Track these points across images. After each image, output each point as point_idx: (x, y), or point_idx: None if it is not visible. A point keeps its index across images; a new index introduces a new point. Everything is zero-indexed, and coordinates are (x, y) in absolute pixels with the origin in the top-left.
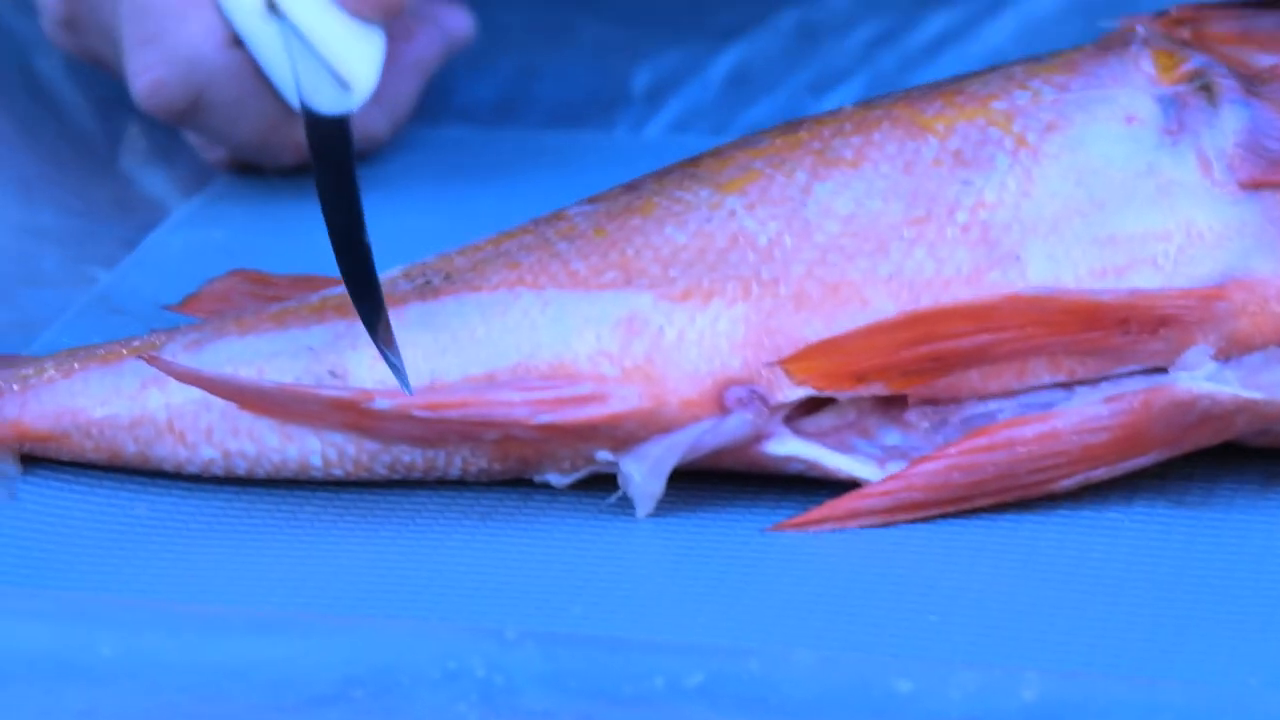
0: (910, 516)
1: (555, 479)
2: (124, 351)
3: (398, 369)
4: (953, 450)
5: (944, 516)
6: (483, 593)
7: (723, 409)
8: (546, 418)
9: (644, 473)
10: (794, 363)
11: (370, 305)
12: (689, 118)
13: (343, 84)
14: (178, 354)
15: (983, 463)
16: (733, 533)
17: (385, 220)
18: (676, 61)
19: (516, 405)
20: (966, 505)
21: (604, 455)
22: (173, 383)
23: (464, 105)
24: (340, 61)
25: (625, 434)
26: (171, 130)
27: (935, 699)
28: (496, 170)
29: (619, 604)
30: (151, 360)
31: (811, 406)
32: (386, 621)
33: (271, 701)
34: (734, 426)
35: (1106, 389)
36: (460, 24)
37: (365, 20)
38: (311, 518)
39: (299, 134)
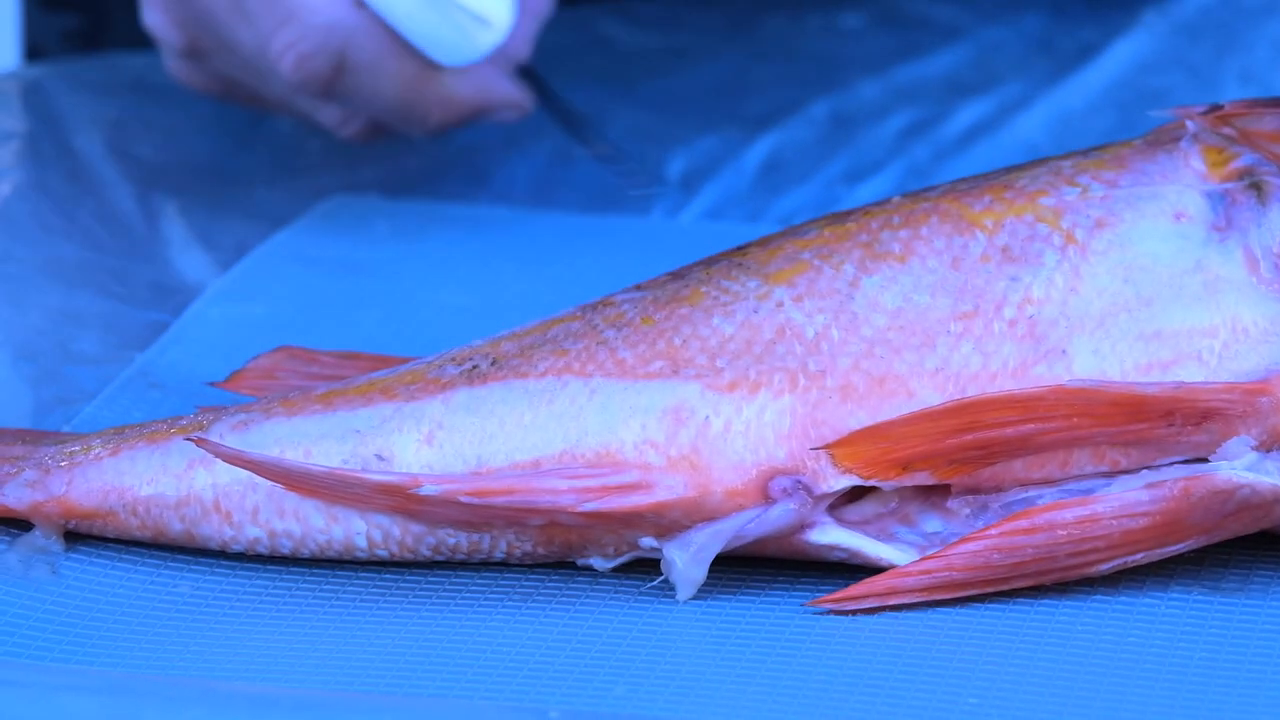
0: (949, 596)
1: (599, 563)
2: (171, 431)
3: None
4: (993, 531)
5: (982, 599)
6: (525, 672)
7: (767, 498)
8: (592, 505)
9: (687, 560)
10: (840, 448)
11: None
12: (723, 204)
13: (480, 22)
14: (225, 434)
15: (1022, 544)
16: (773, 614)
17: (424, 297)
18: (711, 148)
19: (562, 493)
20: (1005, 586)
21: (648, 541)
22: (219, 463)
23: (502, 187)
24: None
25: (670, 522)
26: (209, 210)
27: None
28: (534, 251)
29: (661, 685)
30: (200, 442)
31: (854, 494)
32: (431, 700)
33: None
34: (778, 516)
35: (1147, 475)
36: None
37: None
38: (354, 597)
39: (441, 90)
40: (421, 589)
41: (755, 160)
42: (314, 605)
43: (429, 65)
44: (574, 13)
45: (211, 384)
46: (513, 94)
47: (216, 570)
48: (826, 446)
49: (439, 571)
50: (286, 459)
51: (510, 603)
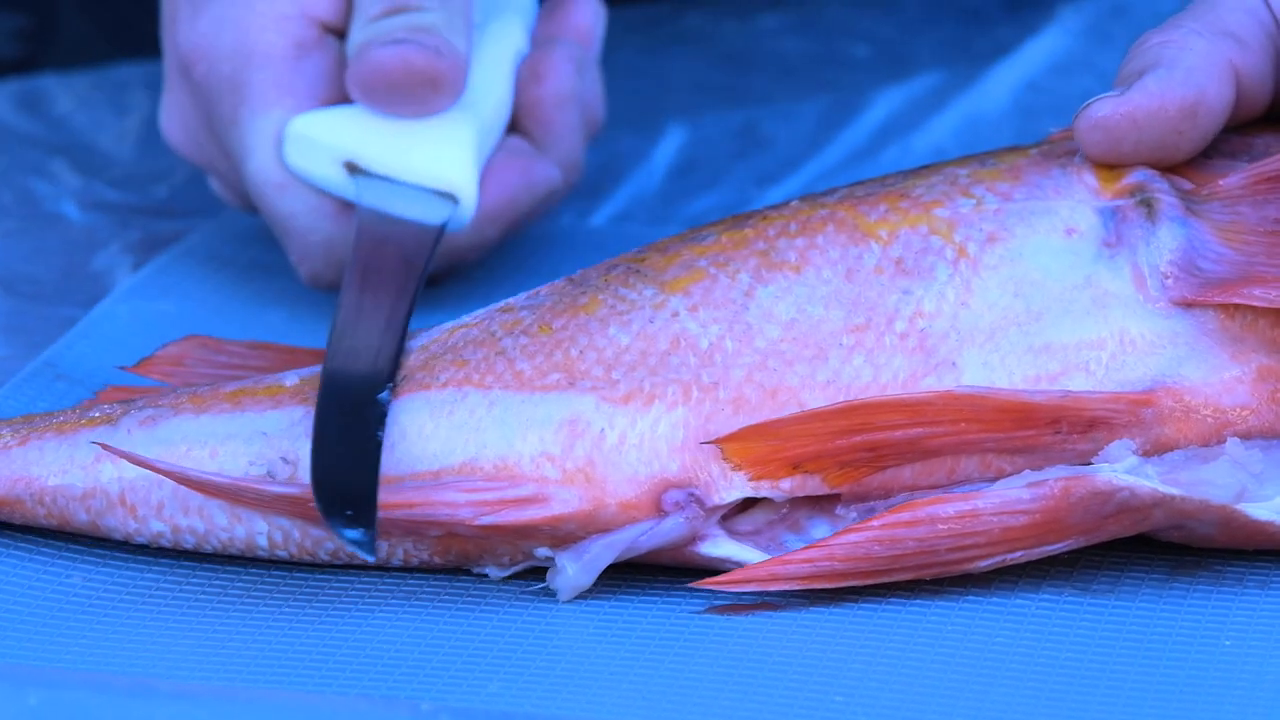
0: (830, 585)
1: (494, 572)
2: (80, 423)
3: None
4: (875, 523)
5: (857, 596)
6: (403, 669)
7: (660, 511)
8: (489, 519)
9: (577, 569)
10: (731, 444)
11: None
12: (633, 206)
13: (447, 190)
14: (133, 429)
15: (903, 537)
16: (650, 613)
17: (333, 298)
18: (623, 148)
19: (460, 506)
20: (885, 579)
21: (543, 552)
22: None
23: None
24: (434, 178)
25: (565, 534)
26: (123, 209)
27: None
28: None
29: (534, 681)
30: (106, 447)
31: (745, 504)
32: (304, 695)
33: None
34: (670, 529)
35: (1029, 475)
36: (546, 173)
37: (424, 115)
38: (240, 594)
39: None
40: (307, 587)
41: (667, 161)
42: (201, 601)
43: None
44: None
45: (122, 368)
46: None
47: (110, 563)
48: (718, 441)
49: (326, 570)
50: (191, 469)
51: (393, 601)
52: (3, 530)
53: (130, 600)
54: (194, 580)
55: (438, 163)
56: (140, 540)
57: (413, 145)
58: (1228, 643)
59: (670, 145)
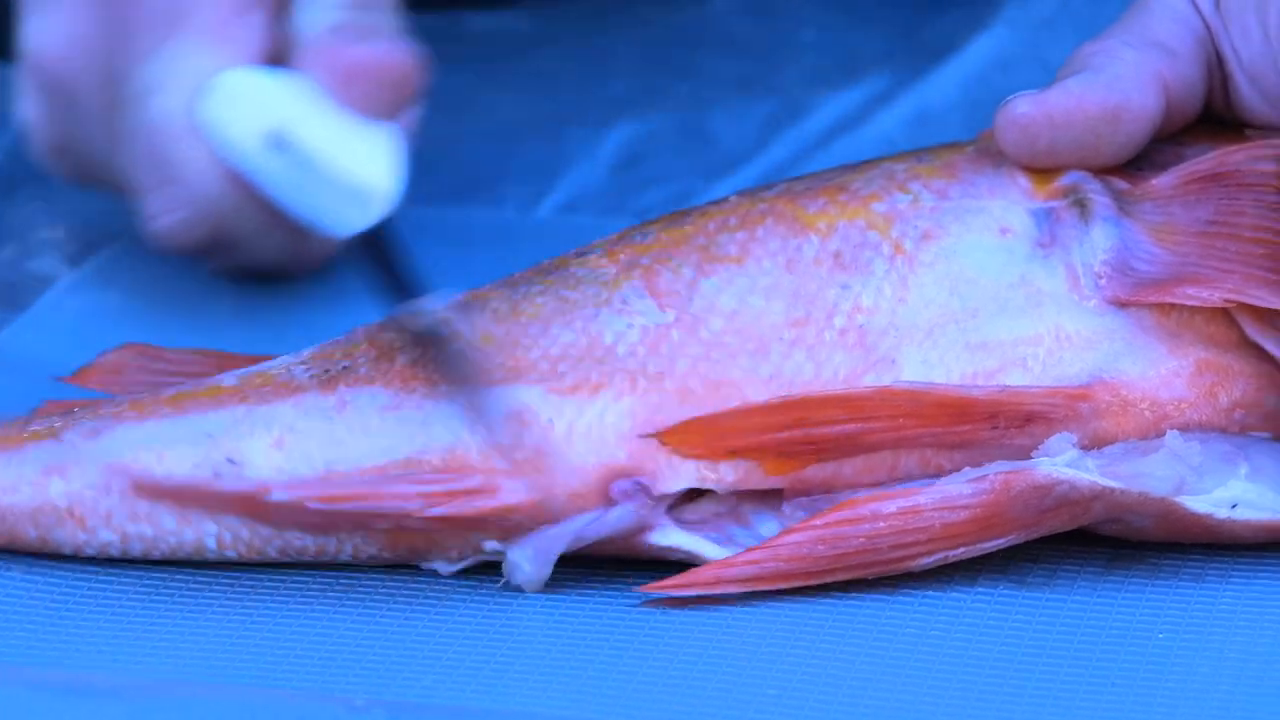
0: (774, 586)
1: (442, 566)
2: (24, 437)
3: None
4: (818, 522)
5: (793, 594)
6: (338, 663)
7: (608, 500)
8: (438, 510)
9: (530, 560)
10: (671, 436)
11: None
12: (580, 198)
13: (365, 194)
14: (78, 443)
15: (847, 535)
16: (587, 608)
17: (276, 290)
18: (570, 138)
19: (409, 498)
20: (829, 578)
21: (492, 545)
22: (72, 469)
23: None
24: (357, 175)
25: (513, 525)
26: (69, 201)
27: None
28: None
29: (470, 676)
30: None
31: (693, 495)
32: (239, 689)
33: None
34: (618, 518)
35: (969, 471)
36: None
37: (376, 118)
38: (175, 592)
39: (317, 247)
40: (241, 583)
41: (614, 152)
42: (138, 599)
43: (308, 232)
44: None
45: (58, 379)
46: None
47: (55, 567)
48: (657, 434)
49: (275, 569)
50: (140, 469)
51: (333, 596)
52: None
53: (70, 601)
54: (146, 582)
55: (367, 161)
56: (89, 552)
57: (351, 138)
58: (1161, 636)
59: (617, 136)
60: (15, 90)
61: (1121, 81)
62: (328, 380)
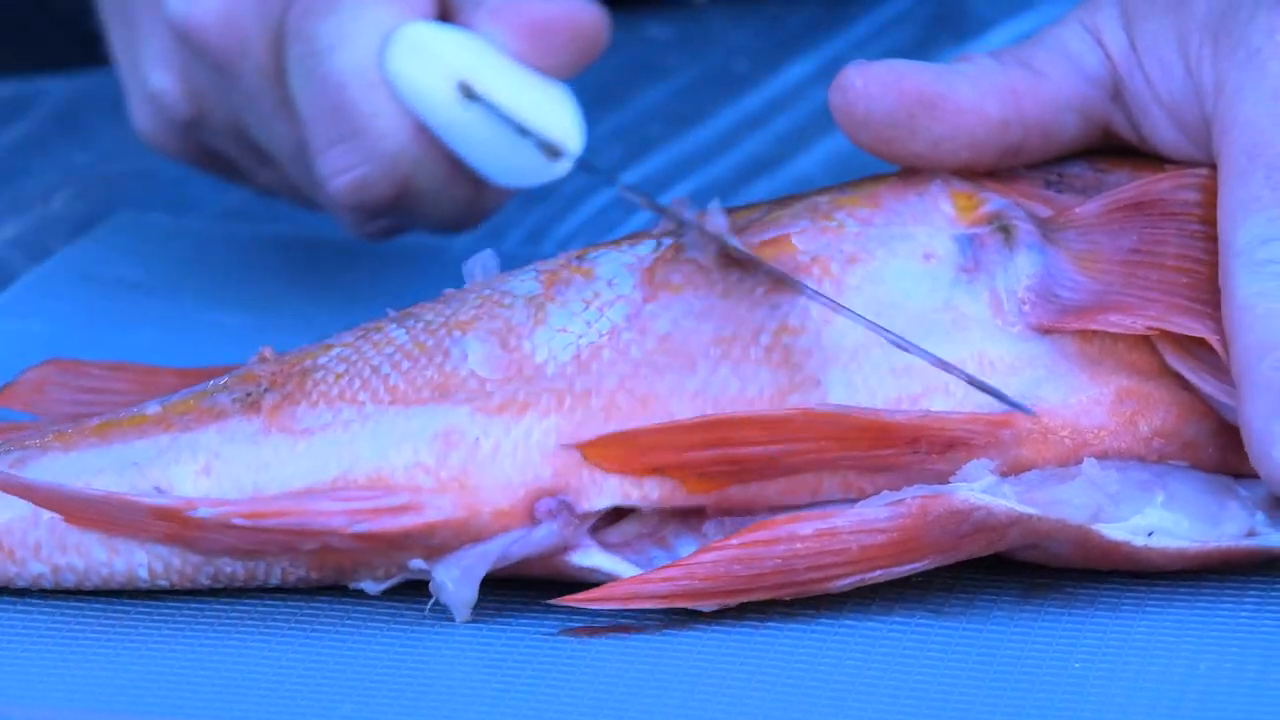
0: (690, 604)
1: (369, 586)
2: None
3: None
4: (734, 541)
5: (714, 619)
6: (256, 691)
7: (533, 520)
8: (362, 527)
9: (456, 580)
10: (592, 449)
11: None
12: (501, 225)
13: (554, 150)
14: (2, 472)
15: (763, 555)
16: (507, 633)
17: (202, 317)
18: None
19: (334, 514)
20: (746, 598)
21: (417, 563)
22: (1, 501)
23: (275, 202)
24: (546, 128)
25: (439, 543)
26: None
27: None
28: (313, 272)
29: (387, 704)
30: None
31: (616, 517)
32: (155, 717)
33: None
34: (542, 537)
35: (888, 495)
36: None
37: (557, 76)
38: (94, 619)
39: (495, 197)
40: (160, 613)
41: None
42: (53, 628)
43: (483, 185)
44: None
45: None
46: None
47: None
48: (578, 446)
49: (188, 596)
50: (64, 486)
51: (250, 623)
52: None
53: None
54: (65, 611)
55: (555, 115)
56: (21, 584)
57: (536, 91)
58: (1077, 665)
59: None
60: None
61: (955, 77)
62: (250, 404)
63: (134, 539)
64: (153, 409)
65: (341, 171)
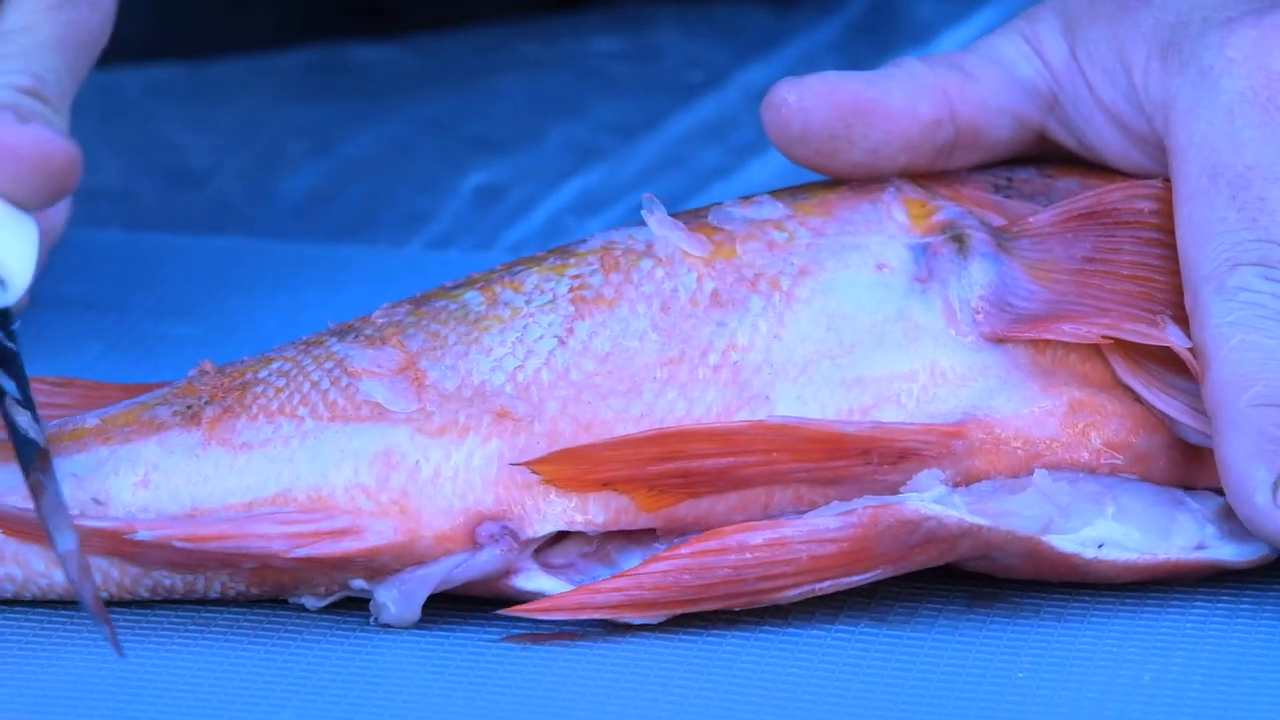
0: (639, 614)
1: (310, 602)
2: None
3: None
4: (684, 551)
5: (657, 627)
6: (196, 696)
7: (475, 544)
8: (304, 551)
9: (396, 602)
10: (542, 466)
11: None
12: (452, 232)
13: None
14: None
15: (712, 565)
16: (449, 641)
17: (149, 329)
18: (442, 174)
19: (274, 538)
20: (695, 608)
21: (358, 583)
22: None
23: (224, 215)
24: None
25: (380, 565)
26: None
27: None
28: (257, 283)
29: (327, 709)
30: None
31: (559, 537)
32: None
33: None
34: (484, 561)
35: (838, 505)
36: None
37: (24, 207)
38: (30, 628)
39: None
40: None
41: (488, 189)
42: (6, 641)
43: None
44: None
45: None
46: None
47: None
48: (528, 463)
49: (126, 606)
50: (3, 503)
51: (189, 632)
52: None
53: None
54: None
55: (7, 248)
56: None
57: None
58: (1021, 675)
59: (492, 171)
60: None
61: (888, 81)
62: (190, 416)
63: None
64: (91, 421)
65: None
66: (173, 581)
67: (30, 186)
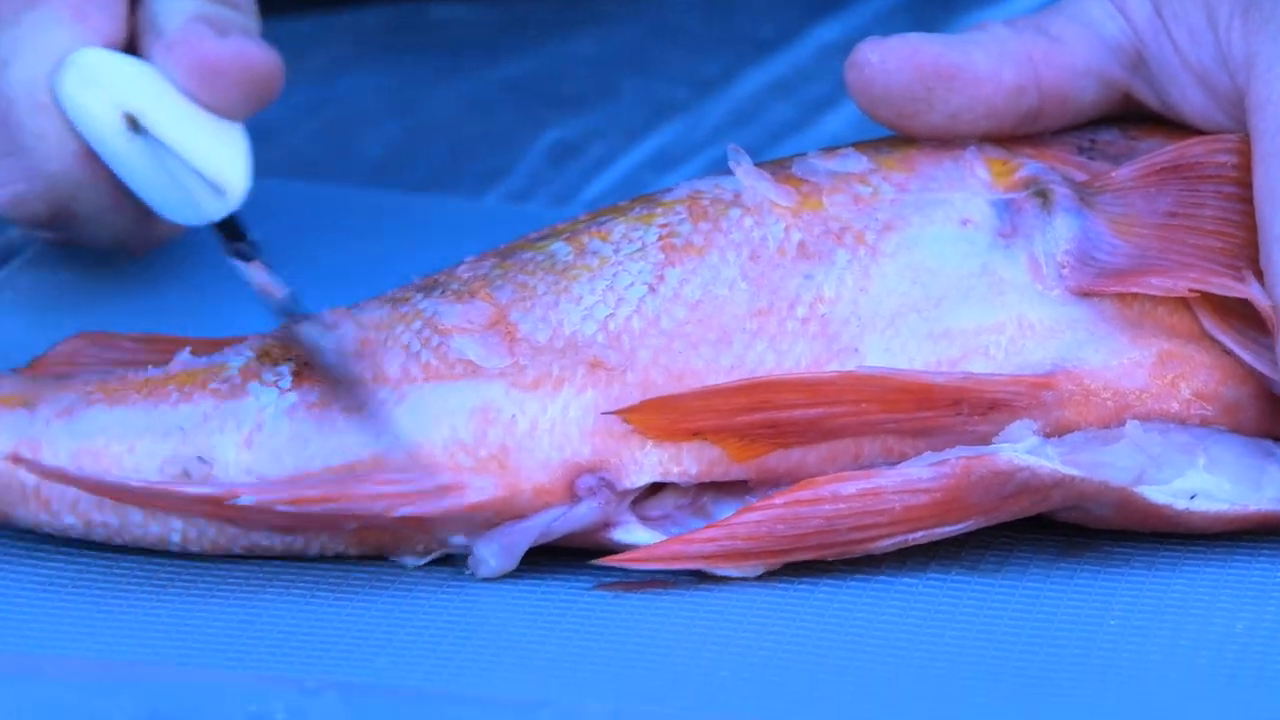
0: (732, 565)
1: (409, 561)
2: None
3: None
4: (777, 501)
5: (743, 579)
6: (291, 644)
7: (573, 496)
8: (405, 511)
9: (495, 555)
10: (633, 414)
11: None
12: (530, 187)
13: (217, 190)
14: (50, 420)
15: (805, 515)
16: (541, 589)
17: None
18: (521, 132)
19: (376, 499)
20: (788, 558)
21: (457, 540)
22: (45, 449)
23: (303, 171)
24: (210, 166)
25: (480, 521)
26: None
27: None
28: (337, 231)
29: (422, 657)
30: (19, 461)
31: (655, 489)
32: (192, 669)
33: None
34: (583, 514)
35: (931, 456)
36: None
37: (230, 117)
38: (133, 573)
39: (158, 230)
40: (195, 568)
41: (566, 143)
42: (98, 581)
43: (149, 211)
44: None
45: (14, 371)
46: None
47: (11, 547)
48: (619, 412)
49: (233, 550)
50: (108, 476)
51: (283, 580)
52: None
53: (20, 575)
54: (103, 561)
55: (220, 154)
56: (48, 531)
57: (205, 129)
58: (1113, 622)
59: (571, 128)
60: None
61: (971, 46)
62: (292, 376)
63: (174, 515)
64: (199, 369)
65: (3, 185)
66: (271, 542)
67: (234, 99)
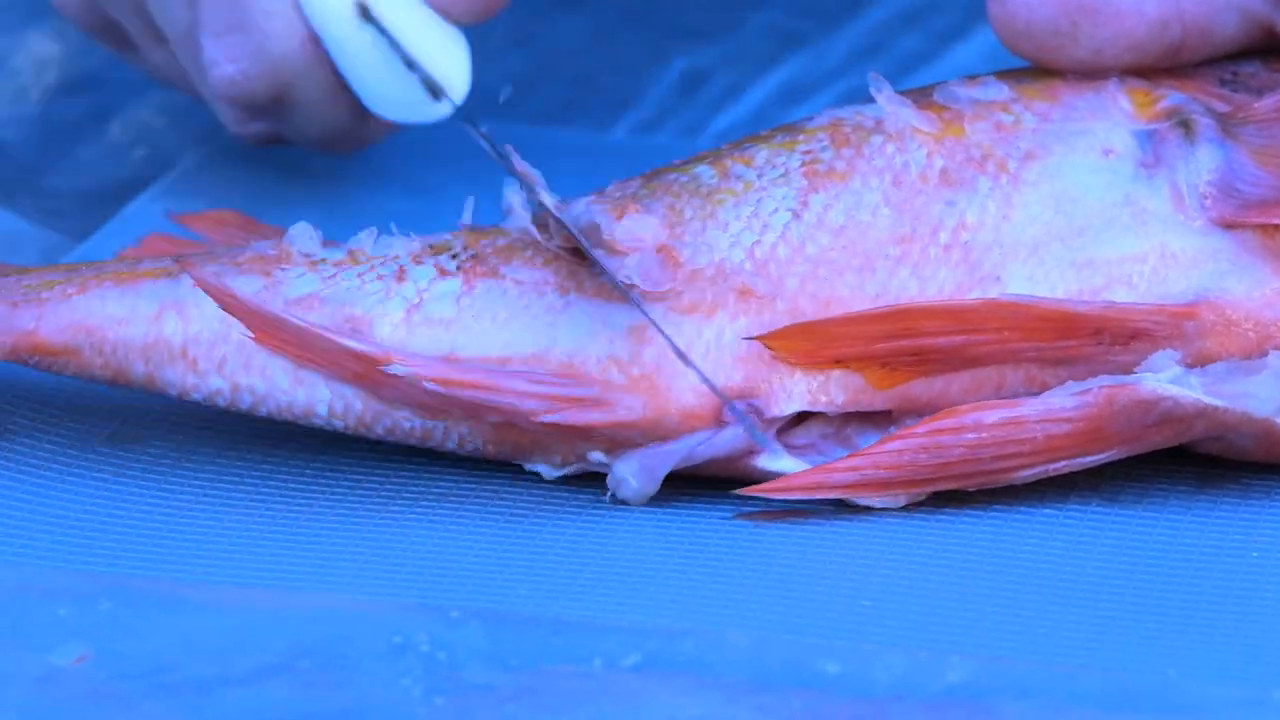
0: (875, 494)
1: (546, 470)
2: (139, 274)
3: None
4: (920, 430)
5: (883, 511)
6: (433, 572)
7: (720, 422)
8: (551, 417)
9: (636, 476)
10: (775, 340)
11: None
12: (659, 118)
13: (436, 90)
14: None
15: (948, 444)
16: (680, 519)
17: (364, 201)
18: (645, 61)
19: (525, 396)
20: (930, 488)
21: (597, 456)
22: (191, 309)
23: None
24: (433, 66)
25: (624, 439)
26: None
27: (862, 680)
28: (464, 159)
29: (563, 585)
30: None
31: (799, 420)
32: (334, 596)
33: (220, 672)
34: (728, 439)
35: (1072, 385)
36: None
37: (456, 22)
38: (272, 493)
39: (370, 127)
40: (339, 486)
41: (693, 74)
42: (232, 502)
43: (362, 109)
44: None
45: (171, 215)
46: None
47: (134, 466)
48: (762, 337)
49: (369, 474)
50: (268, 306)
51: (427, 502)
52: (40, 436)
53: (157, 502)
54: (247, 483)
55: (445, 56)
56: (196, 397)
57: (433, 28)
58: (1255, 554)
59: (697, 59)
60: None
61: None
62: (459, 267)
63: (321, 373)
64: (360, 249)
65: (224, 62)
66: (412, 425)
67: (466, 4)
